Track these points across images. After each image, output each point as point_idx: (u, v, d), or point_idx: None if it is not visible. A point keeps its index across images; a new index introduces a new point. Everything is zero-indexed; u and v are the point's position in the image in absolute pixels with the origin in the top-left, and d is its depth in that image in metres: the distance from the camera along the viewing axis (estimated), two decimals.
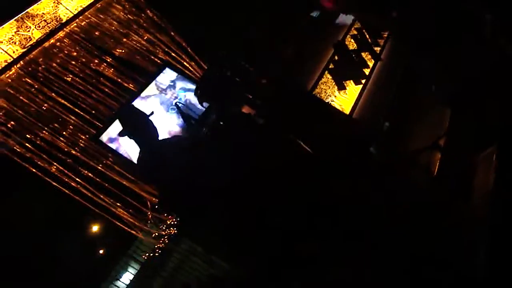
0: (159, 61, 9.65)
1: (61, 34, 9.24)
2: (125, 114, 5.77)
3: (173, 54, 9.82)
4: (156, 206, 9.23)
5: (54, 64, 8.91)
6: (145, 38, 10.02)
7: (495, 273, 4.98)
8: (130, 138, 5.33)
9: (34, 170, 8.26)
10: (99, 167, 8.66)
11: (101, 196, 8.72)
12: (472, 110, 7.29)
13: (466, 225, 6.03)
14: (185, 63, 9.75)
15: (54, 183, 8.35)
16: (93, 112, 8.82)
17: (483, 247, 5.30)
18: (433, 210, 6.47)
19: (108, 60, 9.48)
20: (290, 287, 6.26)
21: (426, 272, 5.43)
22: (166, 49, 9.93)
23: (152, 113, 5.33)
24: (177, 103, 6.13)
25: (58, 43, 9.15)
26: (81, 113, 8.78)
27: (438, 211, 6.45)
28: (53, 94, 8.68)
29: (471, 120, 7.21)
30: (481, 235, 5.52)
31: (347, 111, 8.21)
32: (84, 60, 9.26)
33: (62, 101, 8.71)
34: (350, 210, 6.26)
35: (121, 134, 5.20)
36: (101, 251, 12.15)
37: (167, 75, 9.01)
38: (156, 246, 10.87)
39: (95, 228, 11.85)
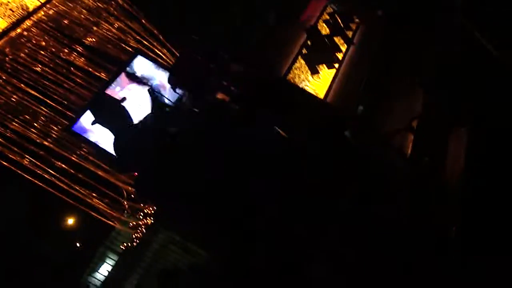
0: (130, 49, 9.51)
1: (28, 23, 8.99)
2: (96, 103, 5.67)
3: (144, 42, 9.67)
4: (132, 196, 9.17)
5: (22, 54, 8.69)
6: (115, 26, 9.84)
7: (466, 248, 5.14)
8: (103, 127, 5.25)
9: (5, 164, 8.10)
10: (73, 158, 8.55)
11: (76, 188, 8.61)
12: (444, 92, 7.42)
13: (439, 203, 6.17)
14: (157, 50, 9.63)
15: (28, 176, 8.22)
16: (65, 102, 8.67)
17: (454, 223, 5.45)
18: (408, 190, 6.60)
19: (78, 49, 9.29)
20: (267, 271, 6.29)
21: (400, 248, 5.54)
22: (138, 37, 9.78)
23: (124, 99, 5.23)
24: (150, 91, 6.06)
25: (25, 33, 8.91)
26: (53, 103, 8.62)
27: (413, 191, 6.57)
28: (22, 85, 8.48)
29: (443, 101, 7.34)
30: (453, 211, 5.67)
31: (321, 95, 8.26)
32: (53, 49, 9.05)
33: (32, 92, 8.53)
34: (324, 197, 6.32)
35: (93, 123, 5.11)
36: (78, 244, 12.02)
37: (140, 63, 8.89)
38: (133, 236, 10.81)
39: (71, 220, 11.71)
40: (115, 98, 5.32)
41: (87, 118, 7.66)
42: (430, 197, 6.23)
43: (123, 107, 5.10)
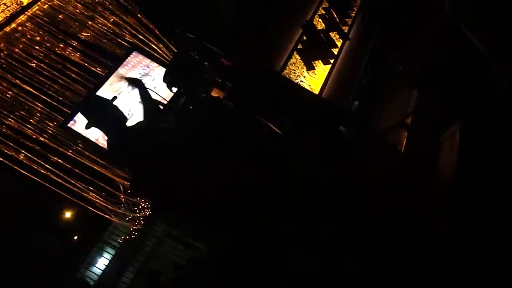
0: (126, 44, 9.48)
1: (22, 18, 8.93)
2: (87, 107, 5.67)
3: (140, 37, 9.64)
4: (129, 190, 9.20)
5: (17, 50, 8.65)
6: (111, 21, 9.78)
7: (458, 248, 5.16)
8: (98, 129, 5.27)
9: (1, 159, 8.12)
10: (69, 153, 8.56)
11: (72, 182, 8.64)
12: (438, 90, 7.43)
13: (431, 201, 6.21)
14: (153, 45, 9.59)
15: (23, 171, 8.23)
16: (60, 98, 8.66)
17: (447, 221, 5.47)
18: (401, 187, 6.63)
19: (74, 44, 9.24)
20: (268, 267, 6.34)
21: (392, 249, 5.59)
22: (133, 32, 9.74)
23: (115, 98, 5.23)
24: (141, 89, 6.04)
25: (20, 28, 8.86)
26: (48, 99, 8.62)
27: (406, 188, 6.61)
28: (17, 80, 8.47)
29: (436, 99, 7.36)
30: (444, 210, 5.70)
31: (316, 91, 8.27)
32: (48, 44, 9.01)
33: (27, 87, 8.51)
34: (320, 191, 6.35)
35: (87, 126, 5.12)
36: (75, 238, 12.08)
37: (135, 59, 8.86)
38: (130, 230, 10.86)
39: (67, 214, 11.75)
40: (105, 99, 5.31)
41: (82, 116, 7.67)
42: (422, 194, 6.27)
43: (115, 106, 5.10)
